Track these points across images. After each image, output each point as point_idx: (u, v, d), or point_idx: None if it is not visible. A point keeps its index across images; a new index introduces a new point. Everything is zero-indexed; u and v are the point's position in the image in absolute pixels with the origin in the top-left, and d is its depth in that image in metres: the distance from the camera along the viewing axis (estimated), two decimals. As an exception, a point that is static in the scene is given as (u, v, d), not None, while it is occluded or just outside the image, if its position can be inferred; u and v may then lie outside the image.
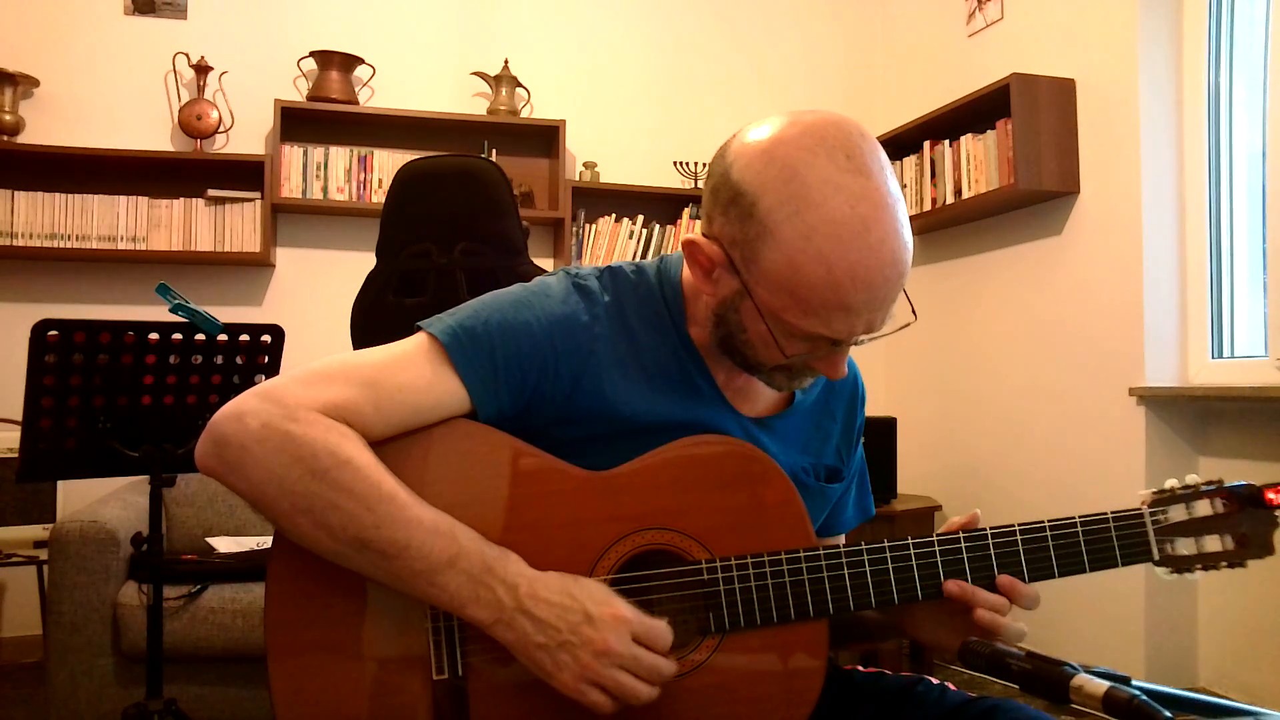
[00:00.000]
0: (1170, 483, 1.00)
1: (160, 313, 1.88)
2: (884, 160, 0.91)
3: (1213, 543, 0.99)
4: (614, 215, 4.03)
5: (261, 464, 0.88)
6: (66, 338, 1.80)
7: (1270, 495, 0.98)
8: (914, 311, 0.96)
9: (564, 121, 3.93)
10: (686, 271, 1.05)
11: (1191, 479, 1.00)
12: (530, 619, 0.88)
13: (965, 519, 1.02)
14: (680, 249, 1.01)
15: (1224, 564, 0.99)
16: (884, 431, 3.52)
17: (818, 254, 0.87)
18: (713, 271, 0.97)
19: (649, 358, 1.03)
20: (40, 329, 1.79)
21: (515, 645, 0.89)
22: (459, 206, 1.85)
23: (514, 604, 0.88)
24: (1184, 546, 0.99)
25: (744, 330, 0.97)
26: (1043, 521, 0.99)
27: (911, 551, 0.98)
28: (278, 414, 0.89)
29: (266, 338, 1.99)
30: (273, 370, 2.02)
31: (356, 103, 3.80)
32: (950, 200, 3.57)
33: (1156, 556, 0.99)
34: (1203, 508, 0.99)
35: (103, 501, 2.77)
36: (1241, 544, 0.98)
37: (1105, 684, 0.70)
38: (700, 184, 3.96)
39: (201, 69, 3.67)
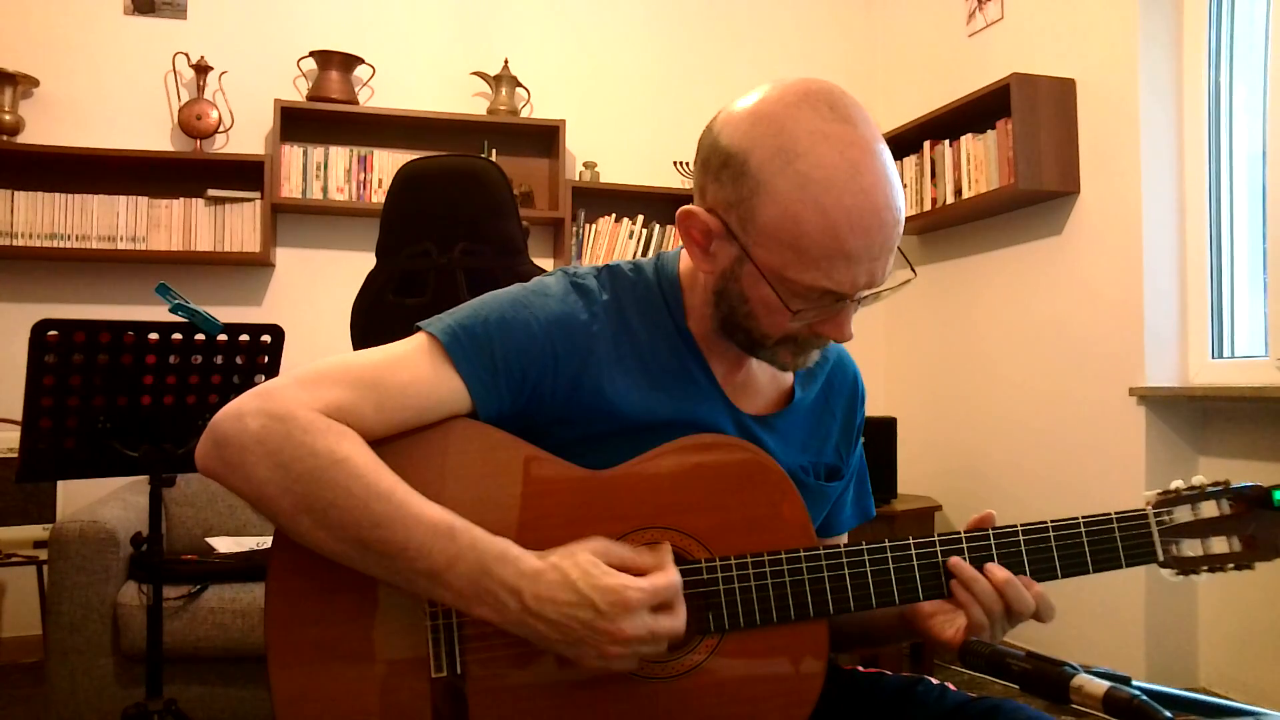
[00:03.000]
0: (1176, 484, 0.99)
1: (160, 313, 1.88)
2: (866, 114, 0.93)
3: (1219, 544, 0.98)
4: (614, 215, 4.03)
5: (262, 464, 0.88)
6: (66, 338, 1.80)
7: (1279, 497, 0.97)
8: (912, 268, 0.96)
9: (564, 121, 3.93)
10: (684, 264, 1.05)
11: (1198, 480, 0.99)
12: (541, 620, 0.87)
13: (981, 516, 1.01)
14: (675, 224, 1.00)
15: (1231, 566, 0.98)
16: (884, 431, 3.52)
17: (813, 201, 0.88)
18: (709, 245, 0.97)
19: (648, 355, 1.03)
20: (40, 329, 1.79)
21: (533, 640, 0.89)
22: (459, 206, 1.85)
23: (519, 607, 0.87)
24: (1189, 548, 0.98)
25: (745, 301, 0.96)
26: (1046, 522, 0.99)
27: (913, 551, 0.98)
28: (278, 414, 0.89)
29: (266, 338, 1.98)
30: (273, 370, 2.02)
31: (356, 103, 3.80)
32: (950, 200, 3.57)
33: (1161, 558, 0.98)
34: (1209, 509, 0.98)
35: (103, 501, 2.77)
36: (1249, 546, 0.97)
37: (1105, 684, 0.70)
38: (700, 184, 3.96)
39: (201, 69, 3.67)
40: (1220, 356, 2.90)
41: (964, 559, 0.98)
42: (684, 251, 1.04)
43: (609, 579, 0.87)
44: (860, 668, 1.17)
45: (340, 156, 3.73)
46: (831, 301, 0.94)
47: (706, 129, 0.97)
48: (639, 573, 0.89)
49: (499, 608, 0.87)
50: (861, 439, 1.20)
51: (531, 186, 3.99)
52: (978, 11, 3.72)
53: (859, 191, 0.88)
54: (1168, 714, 0.65)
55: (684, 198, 4.04)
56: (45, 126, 3.56)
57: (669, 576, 0.89)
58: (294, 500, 0.88)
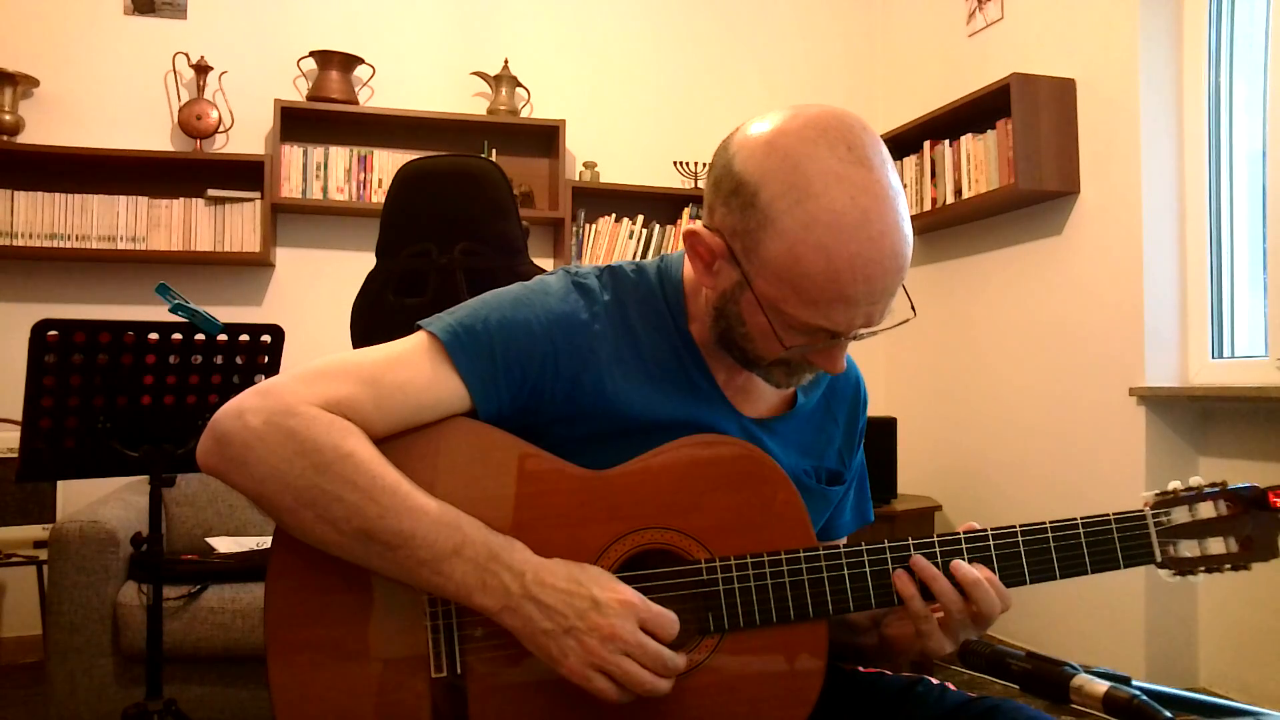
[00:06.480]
0: (1173, 485, 1.00)
1: (160, 313, 1.88)
2: (885, 154, 0.91)
3: (1216, 545, 0.98)
4: (614, 215, 4.03)
5: (264, 460, 0.88)
6: (66, 338, 1.80)
7: (1274, 498, 0.97)
8: (913, 307, 0.96)
9: (564, 121, 3.93)
10: (687, 269, 1.05)
11: (1195, 481, 1.00)
12: (537, 605, 0.88)
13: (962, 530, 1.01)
14: (681, 241, 1.01)
15: (1228, 566, 0.98)
16: (884, 432, 3.52)
17: (818, 244, 0.87)
18: (713, 264, 0.97)
19: (649, 356, 1.03)
20: (40, 329, 1.79)
21: (522, 632, 0.89)
22: (459, 206, 1.85)
23: (520, 590, 0.88)
24: (1187, 549, 0.98)
25: (743, 323, 0.97)
26: (1044, 523, 0.99)
27: (911, 553, 0.98)
28: (279, 410, 0.89)
29: (266, 338, 1.99)
30: (273, 370, 2.02)
31: (356, 103, 3.80)
32: (950, 200, 3.57)
33: (1159, 558, 0.98)
34: (1206, 510, 0.99)
35: (103, 501, 2.77)
36: (1246, 547, 0.98)
37: (1105, 684, 0.70)
38: (700, 184, 3.96)
39: (201, 69, 3.67)
40: (1220, 356, 2.90)
41: (963, 560, 0.98)
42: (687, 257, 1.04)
43: (614, 585, 0.90)
44: (860, 668, 1.17)
45: (340, 156, 3.73)
46: (826, 338, 0.94)
47: (722, 146, 0.96)
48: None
49: (500, 591, 0.88)
50: (862, 444, 1.20)
51: (531, 186, 3.99)
52: (978, 11, 3.72)
53: (866, 240, 0.87)
54: (1168, 714, 0.65)
55: (684, 198, 4.05)
56: (45, 126, 3.56)
57: (671, 614, 0.90)
58: (297, 495, 0.88)
